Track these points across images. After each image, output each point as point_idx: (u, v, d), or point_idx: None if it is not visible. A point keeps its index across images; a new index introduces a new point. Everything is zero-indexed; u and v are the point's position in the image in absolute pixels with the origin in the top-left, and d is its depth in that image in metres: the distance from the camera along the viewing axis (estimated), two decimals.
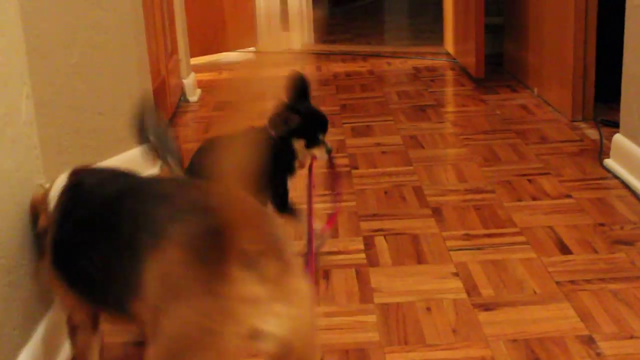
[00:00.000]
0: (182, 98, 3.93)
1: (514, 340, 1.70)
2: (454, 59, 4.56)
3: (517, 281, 1.96)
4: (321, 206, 2.34)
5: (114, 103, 2.69)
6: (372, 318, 1.83)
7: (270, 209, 2.03)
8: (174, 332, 1.14)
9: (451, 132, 3.22)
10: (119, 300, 1.26)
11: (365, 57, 4.88)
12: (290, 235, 2.21)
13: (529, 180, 2.62)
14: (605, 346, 1.66)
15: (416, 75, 4.28)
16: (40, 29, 2.40)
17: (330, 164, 2.21)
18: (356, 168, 2.83)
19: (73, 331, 1.52)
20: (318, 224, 2.10)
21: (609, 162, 2.69)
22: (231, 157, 1.07)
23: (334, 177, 2.29)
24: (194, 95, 3.99)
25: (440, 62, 4.60)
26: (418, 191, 2.58)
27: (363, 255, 2.14)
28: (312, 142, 2.08)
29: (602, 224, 2.26)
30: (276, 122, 2.01)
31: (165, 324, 1.14)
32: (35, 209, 1.57)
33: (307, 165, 2.11)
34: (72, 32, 2.50)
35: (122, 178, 1.45)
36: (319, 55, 5.04)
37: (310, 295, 1.22)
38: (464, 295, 1.90)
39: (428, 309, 1.85)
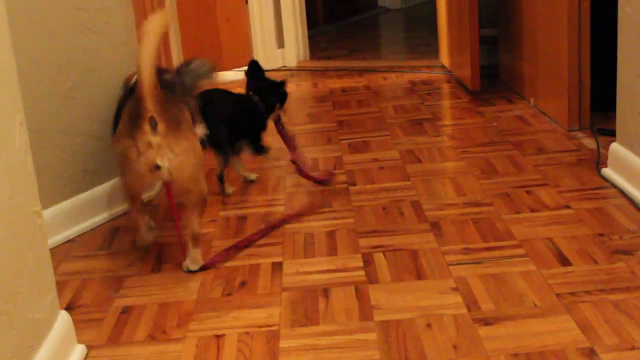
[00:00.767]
0: None
1: (515, 355, 1.69)
2: (450, 71, 4.56)
3: (517, 294, 1.95)
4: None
5: (109, 126, 2.69)
6: (372, 336, 1.82)
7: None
8: (117, 159, 2.20)
9: (448, 145, 3.21)
10: None
11: (361, 72, 4.89)
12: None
13: (527, 192, 2.62)
14: (607, 358, 1.65)
15: (412, 89, 4.29)
16: (34, 55, 2.40)
17: (279, 129, 3.01)
18: (354, 184, 2.83)
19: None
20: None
21: (607, 171, 2.69)
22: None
23: (285, 137, 3.01)
24: None
25: (436, 75, 4.61)
26: (416, 206, 2.58)
27: (362, 273, 2.14)
28: (271, 108, 2.97)
29: (601, 234, 2.25)
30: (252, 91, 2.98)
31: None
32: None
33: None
34: (66, 56, 2.51)
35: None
36: (315, 71, 5.04)
37: (194, 148, 2.15)
38: (464, 310, 1.89)
39: (428, 325, 1.84)
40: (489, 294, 1.96)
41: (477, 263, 2.14)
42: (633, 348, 1.69)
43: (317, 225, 2.50)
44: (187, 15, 4.77)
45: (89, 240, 2.54)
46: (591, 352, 1.68)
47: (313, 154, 3.24)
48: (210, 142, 2.69)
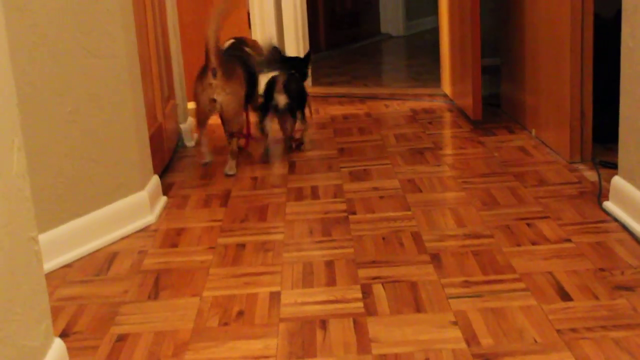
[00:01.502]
0: (179, 143, 3.93)
1: None
2: (452, 100, 4.56)
3: (517, 330, 1.93)
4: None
5: (109, 150, 2.69)
6: None
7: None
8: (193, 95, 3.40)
9: (449, 175, 3.20)
10: None
11: (363, 99, 4.89)
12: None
13: (528, 225, 2.60)
14: None
15: (414, 117, 4.28)
16: (35, 78, 2.40)
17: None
18: (354, 213, 2.81)
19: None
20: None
21: (608, 205, 2.67)
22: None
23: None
24: (191, 140, 3.99)
25: (438, 103, 4.61)
26: (416, 237, 2.56)
27: (361, 304, 2.11)
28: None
29: (602, 269, 2.23)
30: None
31: None
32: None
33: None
34: (67, 80, 2.50)
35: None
36: (316, 97, 5.04)
37: (237, 92, 3.35)
38: (463, 345, 1.87)
39: (427, 359, 1.82)
40: (489, 329, 1.94)
41: (477, 297, 2.12)
42: None
43: (316, 254, 2.48)
44: (189, 38, 4.77)
45: (86, 265, 2.52)
46: None
47: (313, 181, 3.23)
48: (288, 110, 3.57)
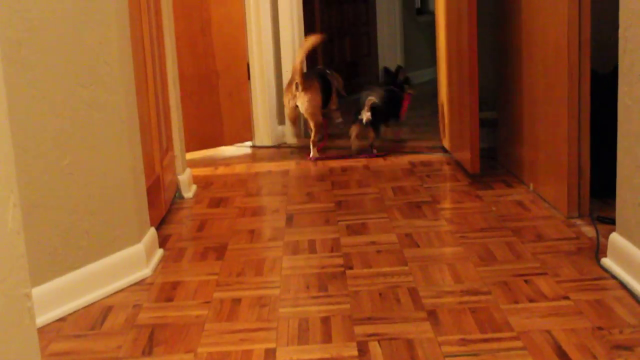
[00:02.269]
0: (177, 194, 3.92)
1: None
2: (450, 153, 4.57)
3: None
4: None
5: (106, 203, 2.68)
6: None
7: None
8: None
9: (447, 229, 3.19)
10: None
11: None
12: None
13: (526, 281, 2.59)
14: None
15: (412, 170, 4.29)
16: (32, 131, 2.40)
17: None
18: (351, 268, 2.80)
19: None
20: None
21: (607, 262, 2.66)
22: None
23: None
24: (189, 192, 3.99)
25: (436, 156, 4.62)
26: (413, 293, 2.55)
27: None
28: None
29: (600, 328, 2.22)
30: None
31: None
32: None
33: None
34: (66, 133, 2.50)
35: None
36: None
37: (313, 100, 4.73)
38: None
39: None
40: None
41: (474, 355, 2.10)
42: None
43: (312, 310, 2.46)
44: (189, 90, 4.80)
45: (80, 319, 2.50)
46: None
47: (310, 235, 3.22)
48: (371, 125, 4.67)
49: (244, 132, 5.21)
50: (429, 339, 2.21)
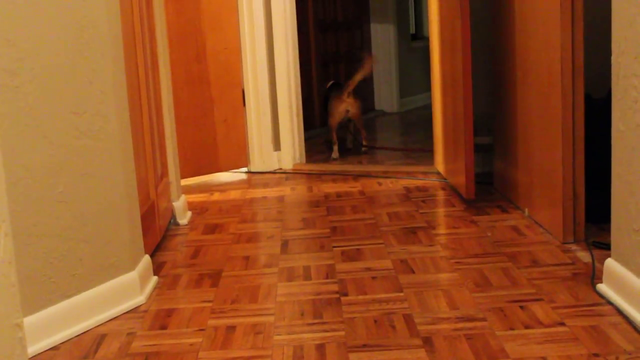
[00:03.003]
0: (172, 221, 3.92)
1: None
2: (445, 178, 4.57)
3: None
4: None
5: (100, 230, 2.67)
6: None
7: None
8: (330, 109, 5.72)
9: (442, 255, 3.18)
10: None
11: (356, 177, 4.90)
12: None
13: (521, 307, 2.58)
14: None
15: (407, 196, 4.28)
16: (25, 159, 2.40)
17: None
18: (346, 295, 2.79)
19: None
20: None
21: (602, 287, 2.66)
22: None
23: None
24: (184, 218, 3.98)
25: (431, 182, 4.62)
26: (408, 319, 2.53)
27: None
28: None
29: (596, 354, 2.20)
30: None
31: None
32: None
33: None
34: (59, 160, 2.50)
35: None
36: (310, 175, 5.06)
37: (359, 107, 5.72)
38: None
39: None
40: None
41: None
42: None
43: (307, 337, 2.45)
44: (184, 116, 4.81)
45: (73, 348, 2.48)
46: None
47: (305, 261, 3.21)
48: None
49: (239, 158, 5.21)
50: None
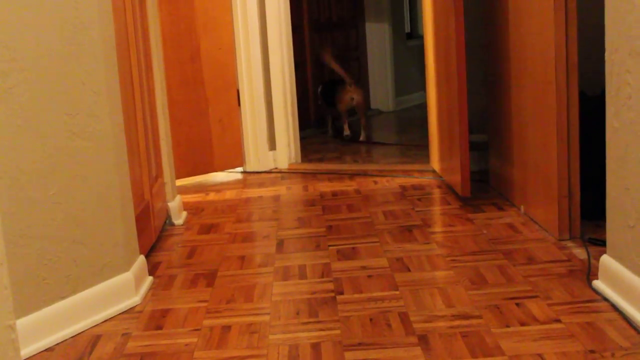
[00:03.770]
0: (167, 221, 3.91)
1: None
2: (441, 176, 4.57)
3: None
4: None
5: (94, 231, 2.67)
6: None
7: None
8: (338, 98, 6.40)
9: (438, 253, 3.18)
10: None
11: (352, 175, 4.90)
12: None
13: (517, 304, 2.58)
14: None
15: (403, 194, 4.28)
16: (20, 160, 2.39)
17: None
18: (341, 293, 2.78)
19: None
20: None
21: (598, 284, 2.65)
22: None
23: None
24: (179, 219, 3.97)
25: (427, 180, 4.61)
26: (404, 317, 2.53)
27: None
28: None
29: (592, 351, 2.20)
30: None
31: None
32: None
33: None
34: (53, 162, 2.49)
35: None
36: (306, 174, 5.05)
37: (365, 96, 6.65)
38: None
39: None
40: None
41: None
42: None
43: (302, 336, 2.44)
44: (179, 116, 4.80)
45: (68, 349, 2.48)
46: None
47: (301, 260, 3.20)
48: None
49: (235, 158, 5.20)
50: None
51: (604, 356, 2.17)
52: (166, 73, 4.16)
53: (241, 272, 3.12)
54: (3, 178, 2.34)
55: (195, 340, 2.47)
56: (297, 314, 2.64)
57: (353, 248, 3.33)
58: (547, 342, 2.29)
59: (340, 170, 5.08)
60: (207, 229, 3.82)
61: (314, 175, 5.00)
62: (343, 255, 3.23)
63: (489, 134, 4.32)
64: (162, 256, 3.40)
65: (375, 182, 4.66)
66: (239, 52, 5.11)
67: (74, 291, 2.61)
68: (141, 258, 3.00)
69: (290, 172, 5.15)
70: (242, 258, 3.30)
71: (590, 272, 2.80)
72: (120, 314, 2.74)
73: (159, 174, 3.80)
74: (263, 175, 5.13)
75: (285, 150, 5.30)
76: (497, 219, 3.64)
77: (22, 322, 2.39)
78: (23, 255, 2.42)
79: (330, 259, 3.19)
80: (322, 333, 2.45)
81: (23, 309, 2.42)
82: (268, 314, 2.65)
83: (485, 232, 3.43)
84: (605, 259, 2.63)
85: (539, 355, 2.20)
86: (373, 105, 8.00)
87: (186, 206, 4.27)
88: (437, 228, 3.63)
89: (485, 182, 4.32)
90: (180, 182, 4.70)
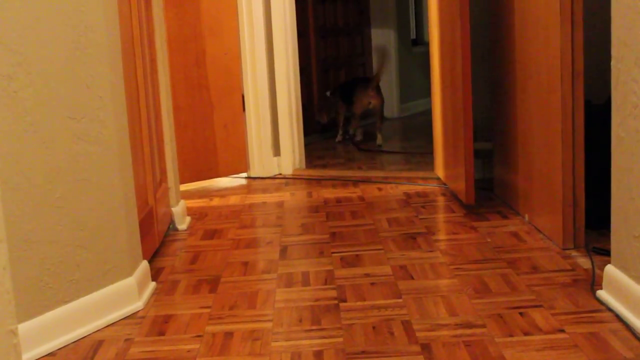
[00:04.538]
0: (170, 226, 3.90)
1: None
2: (445, 184, 4.56)
3: None
4: None
5: (97, 236, 2.66)
6: None
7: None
8: (356, 101, 6.47)
9: (441, 261, 3.17)
10: None
11: (356, 182, 4.89)
12: None
13: (521, 314, 2.56)
14: None
15: (407, 202, 4.27)
16: (24, 164, 2.39)
17: None
18: (344, 301, 2.78)
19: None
20: None
21: (602, 294, 2.64)
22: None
23: None
24: (183, 224, 3.97)
25: (431, 187, 4.61)
26: (407, 326, 2.52)
27: None
28: None
29: None
30: None
31: None
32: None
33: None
34: (57, 166, 2.49)
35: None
36: (310, 180, 5.05)
37: (382, 100, 6.50)
38: None
39: None
40: None
41: None
42: None
43: (305, 344, 2.43)
44: (184, 121, 4.80)
45: (70, 354, 2.47)
46: None
47: (304, 267, 3.20)
48: None
49: (239, 163, 5.20)
50: None
51: None
52: (171, 77, 4.16)
53: (244, 279, 3.11)
54: (7, 182, 2.34)
55: (197, 346, 2.46)
56: (300, 321, 2.63)
57: (356, 255, 3.32)
58: (551, 352, 2.27)
59: (345, 177, 5.07)
60: (211, 234, 3.81)
61: (318, 181, 5.00)
62: (346, 263, 3.22)
63: (493, 142, 4.32)
64: (165, 261, 3.39)
65: (380, 189, 4.65)
66: (244, 57, 5.11)
67: (77, 296, 2.61)
68: (144, 263, 3.00)
69: (294, 178, 5.14)
70: (246, 264, 3.30)
71: (594, 282, 2.79)
72: (122, 319, 2.73)
73: (163, 178, 3.80)
74: (267, 181, 5.12)
75: (290, 156, 5.30)
76: (502, 227, 3.63)
77: (25, 327, 2.38)
78: (26, 259, 2.42)
79: (334, 266, 3.18)
80: (325, 341, 2.44)
81: (25, 314, 2.42)
82: (271, 320, 2.64)
83: (489, 240, 3.42)
84: (610, 268, 2.62)
85: None
86: None
87: (190, 211, 4.26)
88: (441, 236, 3.62)
89: (490, 190, 4.31)
90: (184, 187, 4.70)
